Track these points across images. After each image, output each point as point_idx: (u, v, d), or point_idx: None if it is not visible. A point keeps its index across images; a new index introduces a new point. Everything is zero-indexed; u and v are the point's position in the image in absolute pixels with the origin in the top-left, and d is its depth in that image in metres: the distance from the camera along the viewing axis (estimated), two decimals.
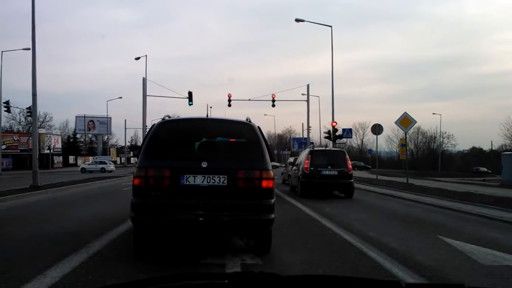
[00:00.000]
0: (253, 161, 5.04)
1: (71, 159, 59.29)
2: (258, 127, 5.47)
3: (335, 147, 25.42)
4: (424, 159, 69.98)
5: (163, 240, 5.91)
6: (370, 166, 52.32)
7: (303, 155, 15.85)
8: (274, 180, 5.08)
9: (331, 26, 27.28)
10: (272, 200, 5.03)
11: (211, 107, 54.63)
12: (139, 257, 5.14)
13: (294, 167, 16.72)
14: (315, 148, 17.18)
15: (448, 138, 72.27)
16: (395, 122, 19.52)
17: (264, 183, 4.91)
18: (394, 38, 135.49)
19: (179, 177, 4.82)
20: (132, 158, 79.84)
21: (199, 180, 4.84)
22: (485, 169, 60.63)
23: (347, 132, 28.65)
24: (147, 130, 5.65)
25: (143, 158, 4.99)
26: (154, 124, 5.56)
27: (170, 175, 4.83)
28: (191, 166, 4.86)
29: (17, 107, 46.84)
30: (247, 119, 5.64)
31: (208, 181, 4.84)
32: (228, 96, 31.99)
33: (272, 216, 4.98)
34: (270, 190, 5.00)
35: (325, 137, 29.90)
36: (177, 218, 4.80)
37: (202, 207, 4.79)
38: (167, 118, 5.64)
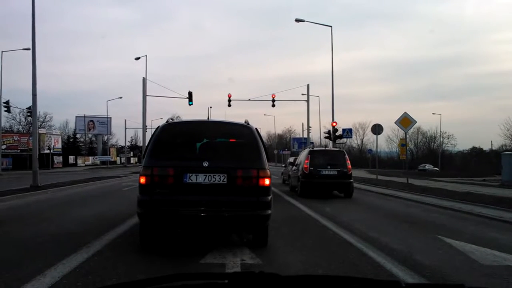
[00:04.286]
0: (251, 160, 5.36)
1: (71, 159, 59.17)
2: (256, 128, 5.83)
3: (335, 147, 25.41)
4: (424, 159, 69.90)
5: (165, 237, 5.97)
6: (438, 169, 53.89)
7: (303, 155, 15.86)
8: (270, 178, 5.38)
9: (331, 26, 27.31)
10: (269, 197, 5.34)
11: (211, 107, 54.80)
12: (146, 250, 5.41)
13: (294, 167, 16.72)
14: (315, 148, 17.19)
15: (448, 138, 72.44)
16: (395, 122, 19.52)
17: (261, 181, 5.25)
18: (394, 38, 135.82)
19: (182, 175, 5.14)
20: (132, 158, 79.91)
21: (200, 178, 5.16)
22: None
23: (347, 132, 28.63)
24: (152, 132, 5.91)
25: (149, 158, 5.32)
26: (158, 126, 5.91)
27: (174, 174, 5.16)
28: (193, 165, 5.20)
29: (17, 107, 46.82)
30: (245, 121, 5.99)
31: (209, 179, 5.17)
32: (228, 96, 31.99)
33: (269, 212, 5.31)
34: (267, 188, 5.30)
35: (325, 137, 29.88)
36: (180, 214, 5.14)
37: (203, 204, 5.14)
38: (170, 121, 6.17)
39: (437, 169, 58.83)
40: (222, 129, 5.90)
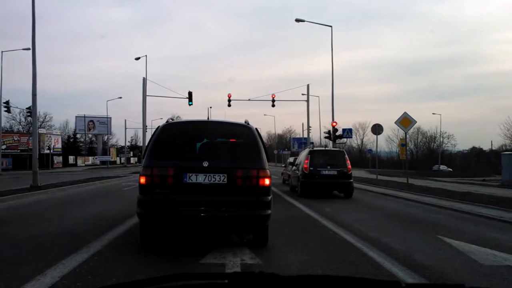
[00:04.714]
0: (251, 160, 5.35)
1: (71, 159, 59.13)
2: (256, 128, 5.83)
3: (335, 147, 25.41)
4: (424, 159, 69.87)
5: (165, 237, 5.98)
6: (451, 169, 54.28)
7: (303, 155, 15.86)
8: (270, 178, 5.37)
9: (331, 26, 27.31)
10: (269, 197, 5.34)
11: (211, 107, 54.81)
12: (146, 250, 5.42)
13: (294, 167, 16.73)
14: (315, 148, 17.19)
15: (448, 138, 72.26)
16: (395, 122, 19.52)
17: (261, 181, 5.24)
18: (394, 38, 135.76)
19: (182, 175, 5.14)
20: (132, 158, 79.87)
21: (200, 178, 5.15)
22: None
23: (347, 132, 28.64)
24: (152, 132, 5.91)
25: (149, 158, 5.32)
26: (158, 126, 5.91)
27: (174, 174, 5.16)
28: (193, 166, 5.19)
29: (17, 107, 46.84)
30: (245, 121, 5.98)
31: (209, 180, 5.16)
32: (228, 96, 32.01)
33: (269, 212, 5.30)
34: (267, 188, 5.30)
35: (325, 137, 29.88)
36: (180, 214, 5.13)
37: (203, 204, 5.14)
38: (170, 120, 6.17)
39: (451, 169, 58.82)
40: (222, 129, 5.91)
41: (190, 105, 30.64)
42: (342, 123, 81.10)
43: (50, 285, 3.98)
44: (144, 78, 32.27)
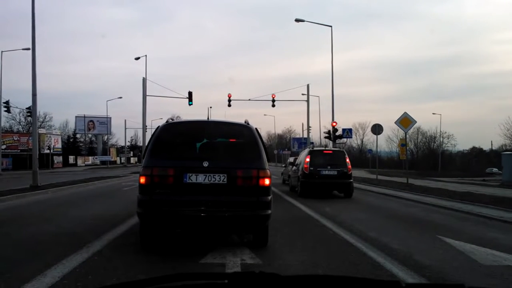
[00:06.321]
0: (251, 160, 5.36)
1: (71, 159, 59.13)
2: (256, 128, 5.83)
3: (335, 147, 25.40)
4: (424, 159, 69.86)
5: (165, 237, 5.98)
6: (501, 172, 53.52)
7: (303, 155, 15.86)
8: (270, 178, 5.38)
9: (331, 26, 27.30)
10: (269, 197, 5.35)
11: (211, 107, 54.84)
12: (146, 250, 5.42)
13: (294, 167, 16.72)
14: (315, 148, 17.19)
15: (448, 138, 72.30)
16: (395, 122, 19.50)
17: (261, 181, 5.24)
18: (394, 38, 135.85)
19: (182, 175, 5.14)
20: (132, 158, 79.87)
21: (201, 178, 5.16)
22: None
23: (347, 132, 28.63)
24: (152, 132, 5.91)
25: (149, 158, 5.33)
26: (158, 126, 5.91)
27: (174, 174, 5.16)
28: (194, 166, 5.19)
29: (17, 107, 46.79)
30: (245, 121, 5.98)
31: (209, 180, 5.16)
32: (228, 96, 31.96)
33: (269, 212, 5.31)
34: (267, 188, 5.30)
35: (325, 137, 29.88)
36: (180, 214, 5.14)
37: (203, 204, 5.14)
38: (170, 120, 6.16)
39: (501, 172, 58.23)
40: (222, 129, 5.90)
41: (190, 105, 30.63)
42: (342, 123, 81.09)
43: (50, 285, 3.98)
44: (144, 78, 32.26)
